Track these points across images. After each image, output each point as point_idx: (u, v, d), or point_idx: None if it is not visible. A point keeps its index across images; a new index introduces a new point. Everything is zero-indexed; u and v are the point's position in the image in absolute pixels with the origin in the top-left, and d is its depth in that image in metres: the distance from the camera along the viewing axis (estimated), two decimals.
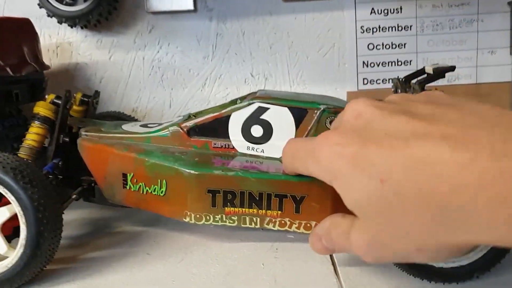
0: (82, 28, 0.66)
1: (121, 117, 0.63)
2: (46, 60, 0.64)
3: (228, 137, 0.46)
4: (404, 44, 0.67)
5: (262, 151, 0.45)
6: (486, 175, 0.20)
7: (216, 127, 0.46)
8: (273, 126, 0.45)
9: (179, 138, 0.47)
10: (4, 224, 0.38)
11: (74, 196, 0.47)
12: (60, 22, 0.63)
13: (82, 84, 0.68)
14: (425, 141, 0.23)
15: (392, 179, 0.24)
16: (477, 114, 0.24)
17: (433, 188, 0.22)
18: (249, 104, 0.45)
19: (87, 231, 0.50)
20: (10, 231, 0.40)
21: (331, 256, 0.41)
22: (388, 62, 0.67)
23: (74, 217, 0.53)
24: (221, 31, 0.68)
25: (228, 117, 0.46)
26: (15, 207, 0.37)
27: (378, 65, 0.68)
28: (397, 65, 0.67)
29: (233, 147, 0.46)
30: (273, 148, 0.45)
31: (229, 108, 0.46)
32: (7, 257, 0.38)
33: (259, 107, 0.45)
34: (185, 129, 0.46)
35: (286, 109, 0.45)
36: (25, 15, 0.59)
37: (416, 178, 0.23)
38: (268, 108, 0.45)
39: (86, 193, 0.49)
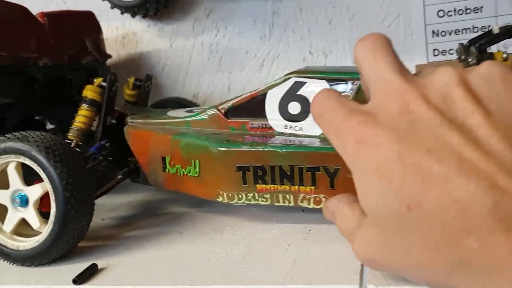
0: (143, 17, 0.68)
1: (182, 103, 0.64)
2: (113, 51, 0.67)
3: (265, 116, 0.44)
4: (481, 7, 0.59)
5: (301, 129, 0.43)
6: None
7: (253, 106, 0.44)
8: (311, 102, 0.42)
9: (217, 120, 0.46)
10: (43, 200, 0.40)
11: (119, 176, 0.48)
12: (122, 12, 0.66)
13: (147, 72, 0.70)
14: (469, 182, 0.19)
15: (420, 209, 0.20)
16: None
17: (461, 238, 0.19)
18: (285, 80, 0.43)
19: (134, 213, 0.51)
20: (49, 208, 0.42)
21: None
22: (462, 30, 0.60)
23: (127, 199, 0.54)
24: (278, 9, 0.66)
25: (265, 95, 0.44)
26: (46, 184, 0.38)
27: (450, 34, 0.60)
28: (473, 32, 0.60)
29: (271, 127, 0.44)
30: (312, 126, 0.42)
31: (265, 86, 0.44)
32: (40, 233, 0.40)
33: (296, 82, 0.43)
34: (222, 111, 0.45)
35: (324, 82, 0.42)
36: (96, 9, 0.63)
37: (448, 220, 0.20)
38: (305, 83, 0.43)
39: (132, 173, 0.50)
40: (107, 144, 0.49)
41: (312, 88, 0.42)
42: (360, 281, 0.30)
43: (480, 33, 0.59)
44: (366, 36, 0.27)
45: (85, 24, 0.61)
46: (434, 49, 0.62)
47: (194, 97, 0.70)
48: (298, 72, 0.43)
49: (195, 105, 0.65)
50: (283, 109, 0.43)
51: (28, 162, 0.39)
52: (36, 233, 0.40)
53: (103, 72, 0.61)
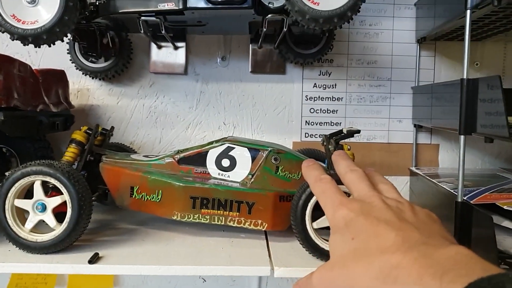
0: (99, 79, 0.88)
1: (122, 147, 0.84)
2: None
3: (206, 166, 0.67)
4: (336, 110, 0.92)
5: (228, 176, 0.67)
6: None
7: (198, 158, 0.68)
8: (236, 160, 0.67)
9: (171, 165, 0.68)
10: (53, 208, 0.58)
11: (93, 198, 0.67)
12: (85, 74, 0.85)
13: (94, 121, 0.89)
14: (383, 228, 0.37)
15: (358, 238, 0.37)
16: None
17: (378, 253, 0.35)
18: (222, 144, 0.68)
19: (96, 226, 0.70)
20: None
21: (267, 243, 0.62)
22: (324, 123, 0.92)
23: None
24: (204, 90, 0.91)
25: (207, 152, 0.68)
26: (65, 196, 0.57)
27: (316, 124, 0.92)
28: (330, 125, 0.92)
29: (209, 173, 0.68)
30: (236, 175, 0.67)
31: (207, 147, 0.68)
32: (54, 230, 0.58)
33: (228, 146, 0.67)
34: (176, 159, 0.68)
35: (246, 149, 0.67)
36: (57, 66, 0.81)
37: (371, 243, 0.36)
38: (234, 147, 0.67)
39: (101, 197, 0.69)
40: (85, 174, 0.68)
41: (239, 152, 0.67)
42: (270, 263, 0.56)
43: (334, 127, 0.91)
44: (353, 168, 0.47)
45: (60, 79, 0.79)
46: (306, 133, 0.92)
47: (131, 144, 0.90)
48: (229, 140, 0.68)
49: (132, 150, 0.85)
50: (218, 162, 0.67)
51: (52, 181, 0.57)
52: (49, 230, 0.58)
53: (72, 119, 0.79)
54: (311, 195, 0.57)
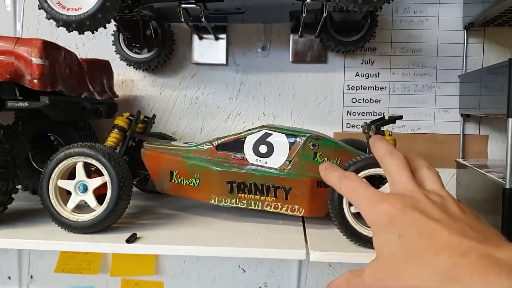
0: (143, 70, 0.90)
1: (164, 137, 0.86)
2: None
3: (243, 152, 0.67)
4: (380, 100, 0.90)
5: (266, 162, 0.67)
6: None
7: (235, 145, 0.68)
8: (274, 146, 0.67)
9: (209, 151, 0.68)
10: (94, 190, 0.60)
11: (134, 183, 0.69)
12: (129, 65, 0.88)
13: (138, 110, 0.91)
14: (433, 226, 0.35)
15: (406, 237, 0.36)
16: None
17: (432, 253, 0.34)
18: (259, 131, 0.67)
19: (136, 211, 0.71)
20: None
21: (304, 229, 0.62)
22: (367, 113, 0.90)
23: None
24: (244, 80, 0.91)
25: (244, 138, 0.67)
26: (106, 178, 0.59)
27: (358, 114, 0.90)
28: (373, 115, 0.89)
29: (246, 159, 0.67)
30: (273, 161, 0.66)
31: (245, 133, 0.68)
32: (94, 211, 0.59)
33: (266, 132, 0.67)
34: (214, 145, 0.68)
35: (283, 135, 0.67)
36: (102, 57, 0.84)
37: (422, 242, 0.35)
38: (271, 134, 0.67)
39: (142, 182, 0.71)
40: (127, 160, 0.70)
41: (276, 138, 0.67)
42: (306, 247, 0.55)
43: (377, 117, 0.89)
44: (394, 153, 0.44)
45: (104, 69, 0.82)
46: (347, 123, 0.90)
47: (173, 134, 0.92)
48: (267, 127, 0.68)
49: (173, 139, 0.86)
50: (255, 148, 0.67)
51: (94, 162, 0.59)
52: (90, 210, 0.60)
53: (115, 107, 0.81)
54: None
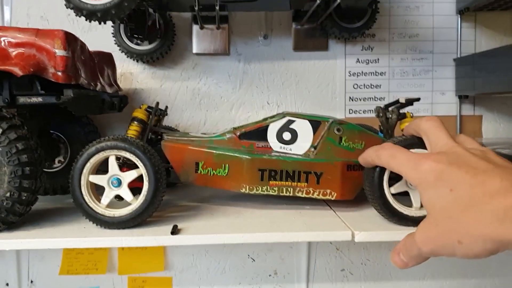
0: (144, 62, 0.88)
1: (171, 129, 0.84)
2: None
3: (267, 140, 0.67)
4: (380, 85, 0.92)
5: (290, 149, 0.67)
6: None
7: (259, 133, 0.67)
8: (298, 133, 0.67)
9: (233, 140, 0.67)
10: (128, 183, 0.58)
11: None
12: (130, 57, 0.85)
13: (139, 105, 0.89)
14: (483, 175, 0.37)
15: (458, 189, 0.37)
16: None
17: (487, 199, 0.35)
18: (282, 118, 0.67)
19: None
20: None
21: (335, 212, 0.63)
22: (368, 98, 0.92)
23: None
24: (247, 70, 0.91)
25: (267, 126, 0.67)
26: (142, 170, 0.57)
27: (360, 100, 0.92)
28: (374, 100, 0.92)
29: (270, 147, 0.67)
30: (298, 147, 0.67)
31: (268, 121, 0.68)
32: (130, 204, 0.58)
33: (289, 120, 0.67)
34: (237, 134, 0.68)
35: (307, 121, 0.67)
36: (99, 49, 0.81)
37: (475, 191, 0.36)
38: (294, 121, 0.67)
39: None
40: None
41: (300, 124, 0.67)
42: (349, 229, 0.56)
43: (378, 102, 0.92)
44: (431, 117, 0.46)
45: (109, 62, 0.79)
46: (350, 109, 0.92)
47: (176, 126, 0.90)
48: (289, 114, 0.68)
49: (177, 131, 0.85)
50: (279, 136, 0.67)
51: (128, 155, 0.57)
52: (126, 205, 0.58)
53: (126, 100, 0.79)
54: None
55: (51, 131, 0.79)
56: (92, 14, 0.58)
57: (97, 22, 0.61)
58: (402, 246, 0.42)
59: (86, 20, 0.59)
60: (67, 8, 0.58)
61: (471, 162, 0.38)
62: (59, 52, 0.57)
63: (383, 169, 0.57)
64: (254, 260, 0.94)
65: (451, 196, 0.37)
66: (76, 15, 0.59)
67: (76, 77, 0.60)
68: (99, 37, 0.87)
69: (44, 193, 0.79)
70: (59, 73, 0.57)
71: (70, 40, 0.59)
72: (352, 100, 0.92)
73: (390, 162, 0.45)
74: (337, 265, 0.95)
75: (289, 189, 0.64)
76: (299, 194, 0.64)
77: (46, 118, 0.77)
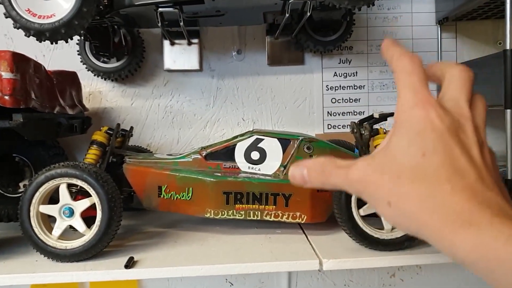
0: (112, 80, 0.85)
1: (140, 150, 0.81)
2: None
3: (235, 160, 0.64)
4: (359, 99, 0.89)
5: (259, 169, 0.64)
6: None
7: (225, 153, 0.64)
8: (267, 152, 0.64)
9: (198, 161, 0.64)
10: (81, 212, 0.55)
11: None
12: (97, 75, 0.82)
13: (108, 124, 0.85)
14: (465, 171, 0.30)
15: (431, 160, 0.30)
16: None
17: (450, 192, 0.29)
18: (250, 136, 0.64)
19: (123, 231, 0.66)
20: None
21: (306, 237, 0.59)
22: (347, 112, 0.89)
23: None
24: (220, 86, 0.88)
25: (234, 145, 0.64)
26: (94, 198, 0.54)
27: (339, 114, 0.89)
28: (353, 115, 0.89)
29: (238, 167, 0.64)
30: (267, 167, 0.63)
31: (235, 140, 0.64)
32: (83, 236, 0.54)
33: (257, 138, 0.64)
34: (203, 155, 0.64)
35: (276, 139, 0.64)
36: (65, 69, 0.77)
37: (441, 172, 0.30)
38: (263, 139, 0.64)
39: (127, 200, 0.66)
40: None
41: (268, 143, 0.64)
42: (317, 257, 0.52)
43: (357, 116, 0.88)
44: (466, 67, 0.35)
45: (72, 81, 0.76)
46: (328, 124, 0.89)
47: (148, 146, 0.87)
48: (258, 132, 0.65)
49: (149, 152, 0.82)
50: (247, 155, 0.64)
51: (79, 182, 0.54)
52: (77, 237, 0.54)
53: (89, 122, 0.75)
54: None
55: (15, 155, 0.76)
56: (40, 34, 0.54)
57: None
58: (314, 165, 0.35)
59: (37, 40, 0.56)
60: (14, 27, 0.55)
61: (464, 142, 0.32)
62: (6, 74, 0.54)
63: None
64: (232, 284, 0.90)
65: (417, 160, 0.31)
66: (25, 35, 0.55)
67: (26, 101, 0.56)
68: (65, 55, 0.84)
69: (8, 219, 0.75)
70: (6, 97, 0.54)
71: (18, 62, 0.56)
72: (331, 115, 0.89)
73: (401, 74, 0.35)
74: (319, 287, 0.91)
75: (256, 212, 0.60)
76: (267, 218, 0.61)
77: (7, 142, 0.74)
